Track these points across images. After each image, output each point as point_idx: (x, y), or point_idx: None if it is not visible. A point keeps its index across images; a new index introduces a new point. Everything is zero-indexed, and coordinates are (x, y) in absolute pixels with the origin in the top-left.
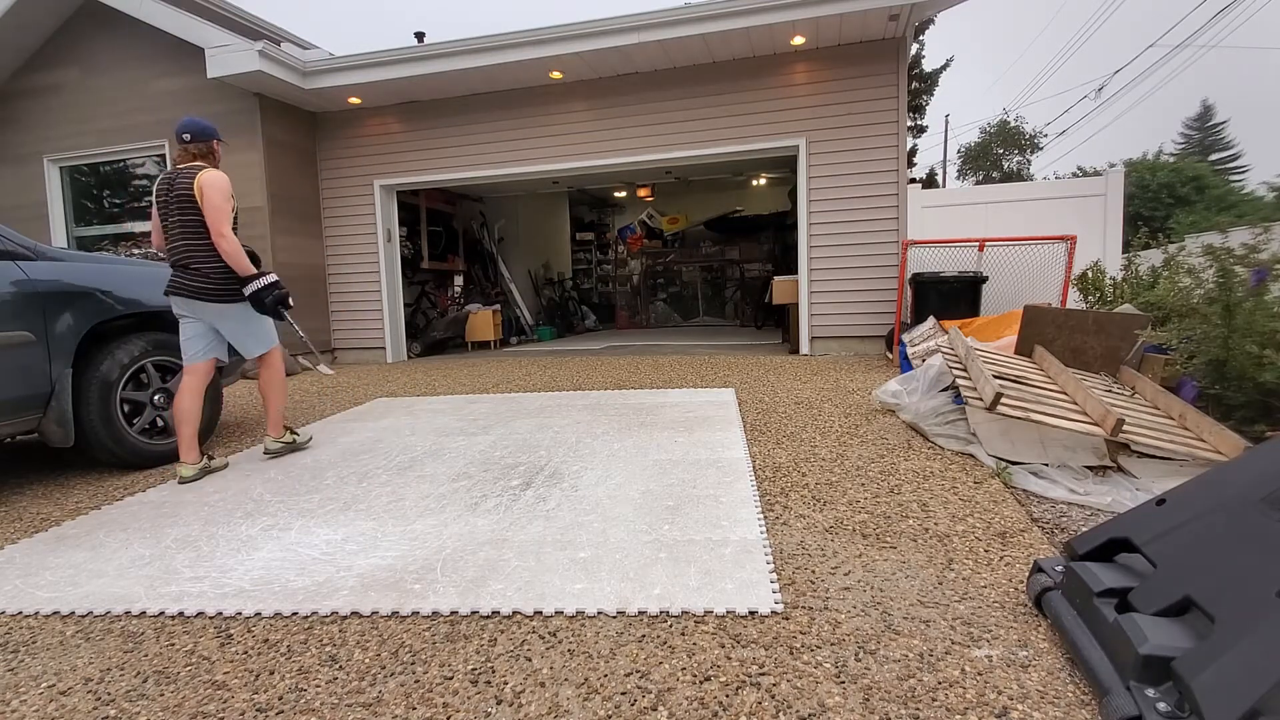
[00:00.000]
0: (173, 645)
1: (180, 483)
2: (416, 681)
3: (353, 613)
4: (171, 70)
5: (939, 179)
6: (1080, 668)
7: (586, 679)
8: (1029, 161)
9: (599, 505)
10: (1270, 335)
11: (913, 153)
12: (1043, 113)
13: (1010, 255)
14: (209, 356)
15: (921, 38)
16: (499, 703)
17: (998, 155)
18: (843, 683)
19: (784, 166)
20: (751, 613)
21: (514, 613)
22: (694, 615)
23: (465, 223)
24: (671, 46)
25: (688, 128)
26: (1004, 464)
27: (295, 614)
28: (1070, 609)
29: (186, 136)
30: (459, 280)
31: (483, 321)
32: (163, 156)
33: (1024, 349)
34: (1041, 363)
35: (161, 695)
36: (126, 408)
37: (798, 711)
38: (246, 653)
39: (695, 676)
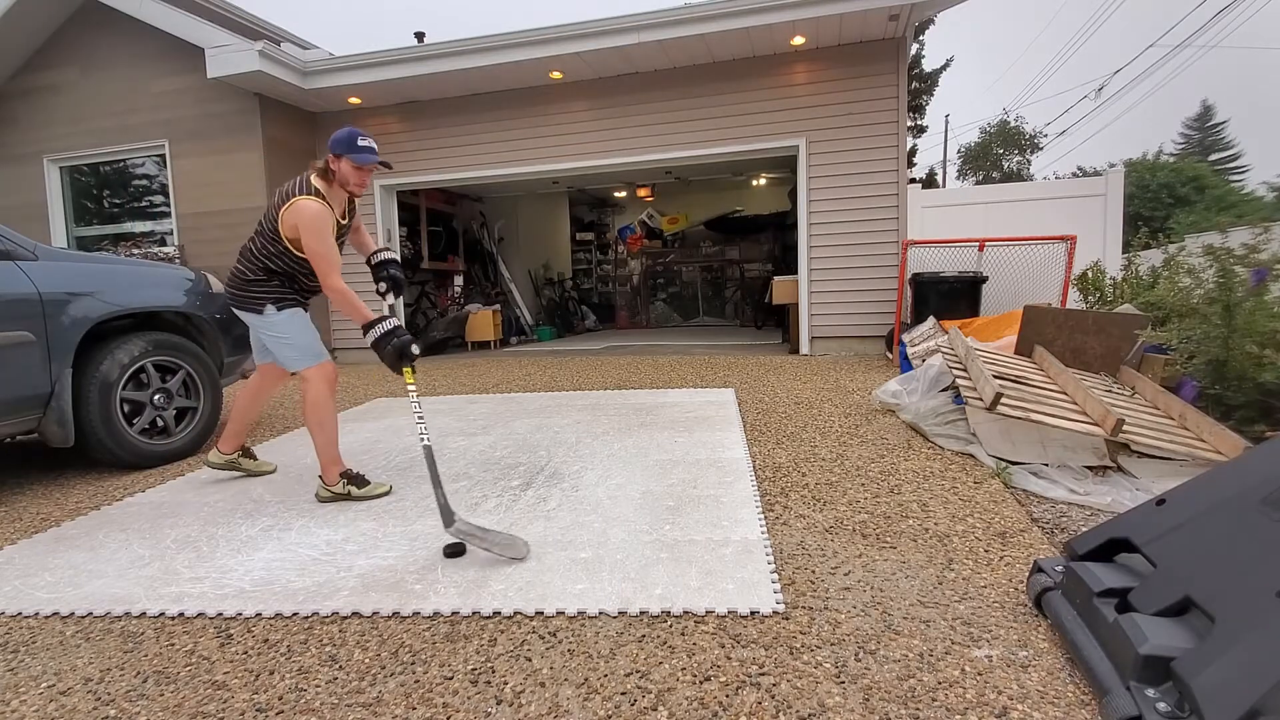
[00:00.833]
0: (173, 645)
1: (207, 466)
2: (416, 681)
3: (353, 613)
4: (171, 70)
5: (939, 179)
6: (1080, 668)
7: (586, 679)
8: (1029, 161)
9: (599, 505)
10: (1270, 335)
11: (913, 153)
12: (1043, 113)
13: (1010, 255)
14: (264, 360)
15: (921, 38)
16: (499, 703)
17: (998, 155)
18: (843, 683)
19: (784, 166)
20: (753, 613)
21: (514, 613)
22: (695, 615)
23: (465, 223)
24: (671, 46)
25: (688, 128)
26: (1004, 464)
27: (295, 614)
28: (1070, 609)
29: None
30: (459, 280)
31: (482, 321)
32: (163, 156)
33: (1024, 349)
34: (1041, 363)
35: (161, 695)
36: (126, 408)
37: (798, 711)
38: (246, 653)
39: (695, 676)
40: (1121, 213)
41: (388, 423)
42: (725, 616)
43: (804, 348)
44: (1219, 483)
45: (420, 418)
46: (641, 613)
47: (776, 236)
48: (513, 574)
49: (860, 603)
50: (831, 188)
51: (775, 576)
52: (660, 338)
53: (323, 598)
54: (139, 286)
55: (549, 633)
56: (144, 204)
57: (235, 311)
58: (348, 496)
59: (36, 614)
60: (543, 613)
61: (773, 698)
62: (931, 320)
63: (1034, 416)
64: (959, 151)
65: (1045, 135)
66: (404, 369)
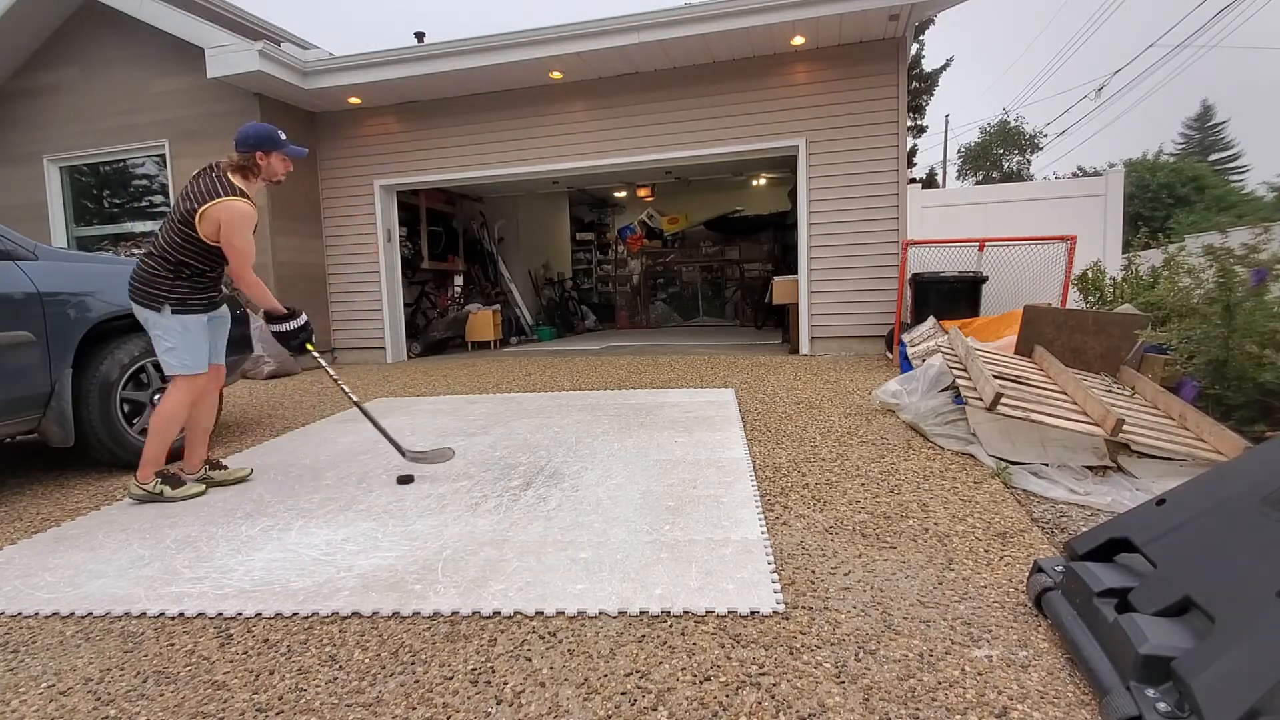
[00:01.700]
0: (173, 645)
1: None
2: (416, 681)
3: (353, 613)
4: (171, 70)
5: (939, 179)
6: (1080, 668)
7: (586, 679)
8: (1029, 161)
9: (599, 505)
10: (1270, 335)
11: (913, 153)
12: (1043, 113)
13: (1010, 255)
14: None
15: (921, 38)
16: (499, 703)
17: (998, 155)
18: (843, 683)
19: (784, 166)
20: (753, 613)
21: (515, 613)
22: (695, 615)
23: (465, 223)
24: (671, 46)
25: (688, 128)
26: (1004, 464)
27: (295, 614)
28: (1070, 609)
29: (235, 141)
30: (459, 280)
31: (482, 321)
32: (162, 156)
33: (1024, 349)
34: (1041, 363)
35: (161, 695)
36: (126, 408)
37: (798, 711)
38: (246, 653)
39: (695, 676)
40: (1121, 213)
41: (387, 423)
42: (725, 616)
43: (804, 348)
44: (1219, 483)
45: (336, 379)
46: (641, 613)
47: (776, 236)
48: (513, 574)
49: (860, 603)
50: (831, 188)
51: (775, 576)
52: (660, 338)
53: (323, 598)
54: None
55: (549, 633)
56: (144, 204)
57: (134, 306)
58: (160, 496)
59: (36, 614)
60: (543, 613)
61: (773, 698)
62: (931, 320)
63: (1034, 416)
64: (959, 151)
65: (1045, 135)
66: (308, 346)
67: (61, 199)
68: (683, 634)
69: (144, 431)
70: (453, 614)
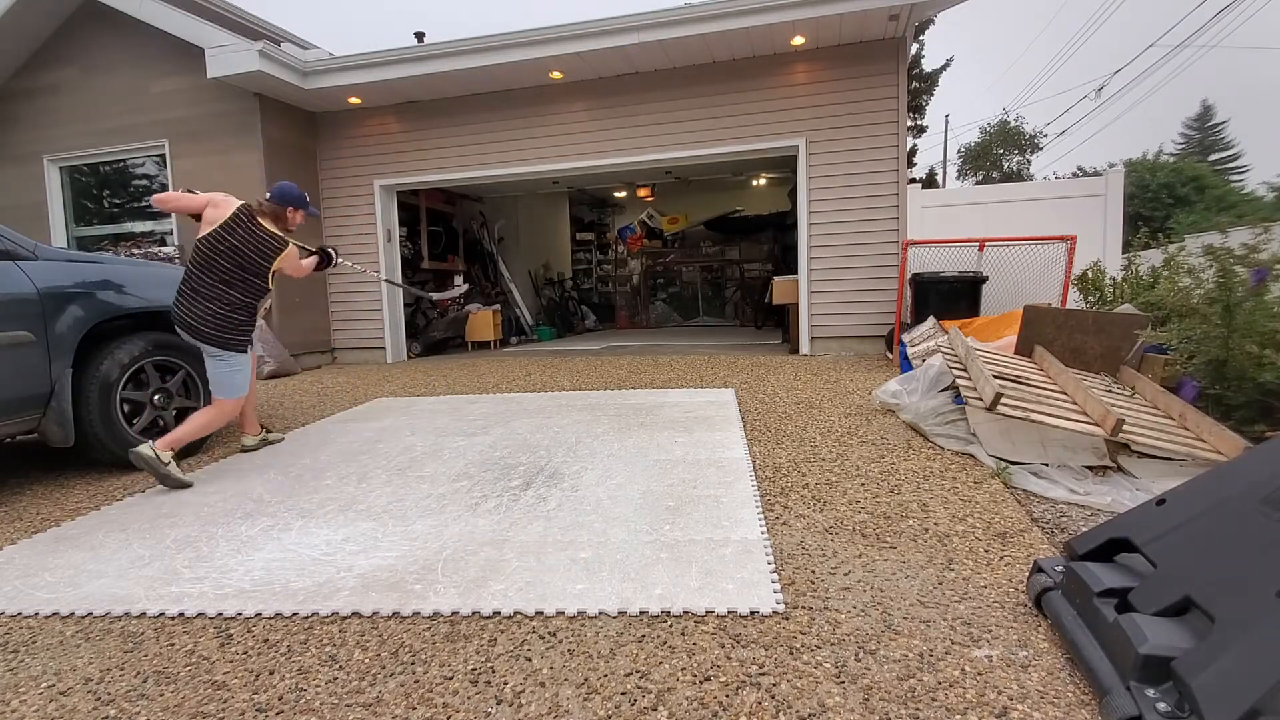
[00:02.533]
0: (173, 645)
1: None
2: (416, 681)
3: (353, 613)
4: (171, 70)
5: (939, 179)
6: (1080, 668)
7: (586, 679)
8: (1029, 161)
9: (599, 505)
10: (1270, 335)
11: (913, 153)
12: (1043, 113)
13: (1010, 255)
14: None
15: (921, 38)
16: (499, 703)
17: (998, 155)
18: (843, 683)
19: (784, 166)
20: (753, 613)
21: (515, 613)
22: (695, 615)
23: (465, 223)
24: (671, 46)
25: (688, 128)
26: (1004, 464)
27: (295, 614)
28: (1070, 609)
29: (268, 195)
30: (459, 280)
31: (482, 321)
32: (162, 156)
33: (1024, 349)
34: (1041, 363)
35: (161, 695)
36: (126, 408)
37: (798, 711)
38: (246, 653)
39: (695, 676)
40: (1121, 213)
41: (388, 423)
42: (725, 616)
43: (804, 348)
44: (1219, 483)
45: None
46: (641, 613)
47: (776, 236)
48: (513, 574)
49: (860, 603)
50: (831, 188)
51: (775, 576)
52: (660, 338)
53: (323, 598)
54: (139, 286)
55: (549, 633)
56: (144, 204)
57: (209, 347)
58: (165, 466)
59: (36, 614)
60: (543, 613)
61: (773, 698)
62: (931, 320)
63: (1034, 416)
64: (959, 151)
65: (1045, 135)
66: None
67: (61, 199)
68: (683, 634)
69: (143, 432)
70: (453, 614)
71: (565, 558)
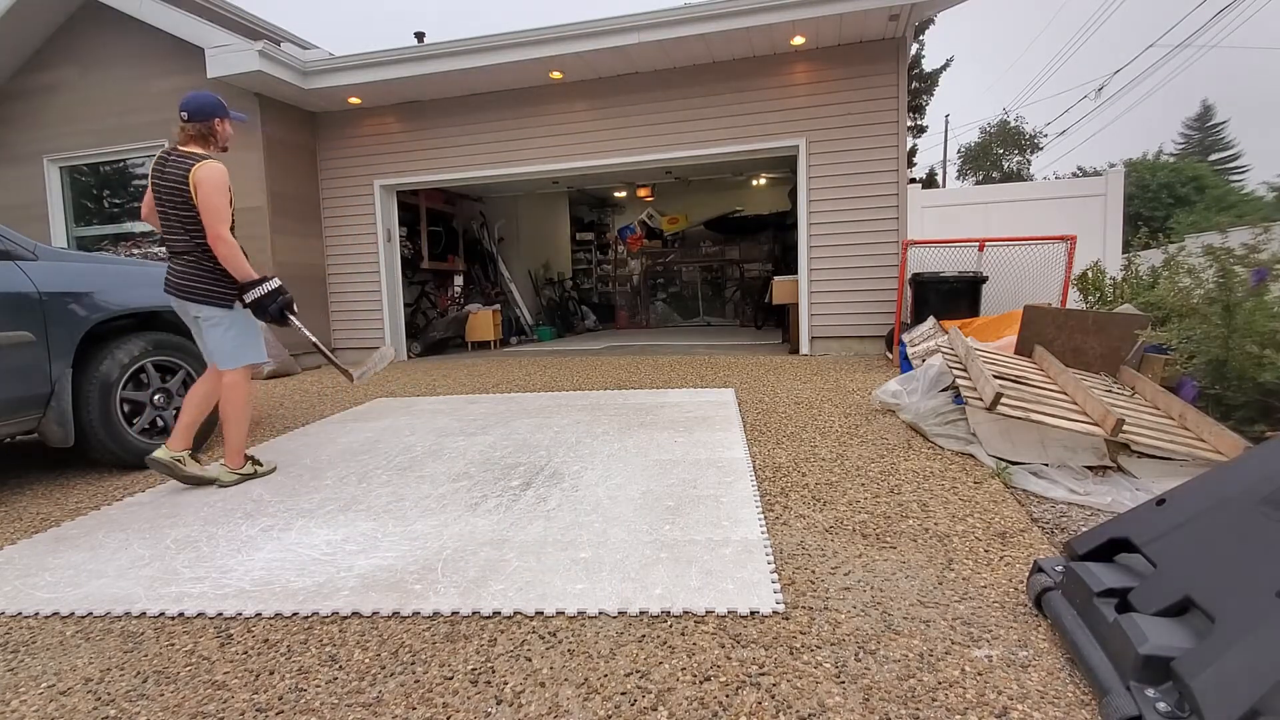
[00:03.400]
0: (172, 645)
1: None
2: (416, 681)
3: (353, 613)
4: (171, 70)
5: (939, 179)
6: (1080, 668)
7: (586, 679)
8: (1029, 161)
9: (599, 505)
10: (1270, 335)
11: (913, 153)
12: (1043, 113)
13: (1010, 255)
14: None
15: (921, 38)
16: (499, 703)
17: (998, 155)
18: (843, 683)
19: (784, 166)
20: (753, 613)
21: (515, 613)
22: (695, 615)
23: (465, 223)
24: (671, 46)
25: (688, 128)
26: (1004, 464)
27: (295, 614)
28: (1070, 609)
29: (184, 115)
30: (459, 280)
31: (483, 321)
32: None
33: (1024, 349)
34: (1041, 363)
35: (161, 695)
36: (126, 408)
37: (798, 711)
38: (246, 653)
39: (695, 676)
40: (1121, 213)
41: (388, 422)
42: (725, 616)
43: (804, 348)
44: (1219, 483)
45: (315, 342)
46: (641, 613)
47: (776, 236)
48: (513, 574)
49: (860, 603)
50: (831, 188)
51: (775, 576)
52: (660, 338)
53: (323, 598)
54: (139, 286)
55: (549, 633)
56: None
57: (201, 308)
58: (253, 474)
59: (36, 614)
60: (543, 613)
61: (773, 698)
62: (931, 320)
63: (1034, 416)
64: (959, 151)
65: (1045, 135)
66: (288, 314)
67: (61, 199)
68: (683, 634)
69: (143, 432)
70: (453, 614)
71: (565, 558)
